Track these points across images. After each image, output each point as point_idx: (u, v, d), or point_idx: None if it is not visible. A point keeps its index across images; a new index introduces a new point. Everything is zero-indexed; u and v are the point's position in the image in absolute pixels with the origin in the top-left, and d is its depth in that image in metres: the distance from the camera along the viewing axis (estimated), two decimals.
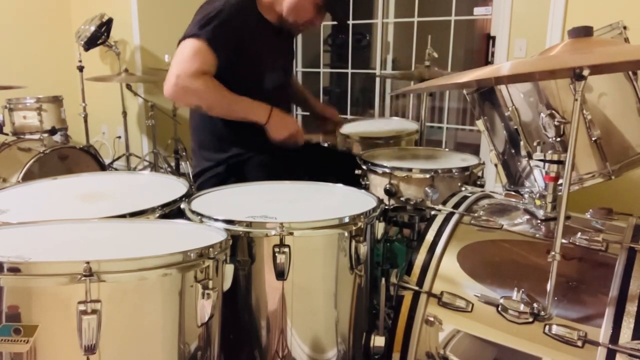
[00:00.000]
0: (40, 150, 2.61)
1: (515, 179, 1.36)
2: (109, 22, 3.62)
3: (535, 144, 1.16)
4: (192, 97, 1.56)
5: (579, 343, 0.89)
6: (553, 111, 1.12)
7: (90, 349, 0.74)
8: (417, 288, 1.07)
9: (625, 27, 1.21)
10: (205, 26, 1.52)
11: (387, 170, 1.54)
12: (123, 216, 1.07)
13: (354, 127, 2.22)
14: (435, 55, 2.17)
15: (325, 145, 2.06)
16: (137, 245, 0.94)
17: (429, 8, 3.64)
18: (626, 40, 1.22)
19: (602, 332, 0.89)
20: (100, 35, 3.59)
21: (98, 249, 0.90)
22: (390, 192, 1.53)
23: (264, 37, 1.67)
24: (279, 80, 1.79)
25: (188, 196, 1.24)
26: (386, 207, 1.53)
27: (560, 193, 1.09)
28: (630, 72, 1.15)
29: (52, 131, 2.91)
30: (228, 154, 1.69)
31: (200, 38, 1.51)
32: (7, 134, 2.91)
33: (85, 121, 3.57)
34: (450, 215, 1.19)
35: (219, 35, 1.53)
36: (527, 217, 1.19)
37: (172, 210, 1.16)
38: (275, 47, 1.76)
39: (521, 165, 1.31)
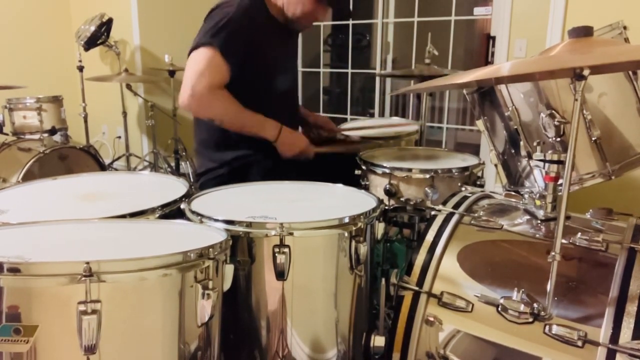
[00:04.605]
0: (40, 150, 2.61)
1: (515, 179, 1.36)
2: (109, 22, 3.62)
3: (535, 144, 1.16)
4: (207, 110, 1.58)
5: (579, 343, 0.89)
6: (553, 111, 1.12)
7: (90, 349, 0.74)
8: (417, 288, 1.07)
9: (625, 27, 1.21)
10: (217, 34, 1.53)
11: (387, 171, 1.54)
12: (123, 216, 1.07)
13: (354, 127, 2.22)
14: (436, 52, 2.16)
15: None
16: (137, 245, 0.94)
17: (429, 8, 3.64)
18: (626, 40, 1.22)
19: (602, 332, 0.89)
20: (100, 35, 3.59)
21: (98, 249, 0.90)
22: (390, 193, 1.53)
23: (274, 38, 1.68)
24: (289, 81, 1.78)
25: (188, 196, 1.24)
26: (386, 207, 1.53)
27: (560, 193, 1.09)
28: (630, 72, 1.15)
29: (52, 131, 2.91)
30: (233, 154, 1.68)
31: (213, 46, 1.52)
32: (7, 134, 2.91)
33: (85, 121, 3.58)
34: (450, 216, 1.19)
35: (231, 43, 1.54)
36: (527, 217, 1.19)
37: (172, 210, 1.16)
38: (285, 47, 1.76)
39: (521, 165, 1.31)
